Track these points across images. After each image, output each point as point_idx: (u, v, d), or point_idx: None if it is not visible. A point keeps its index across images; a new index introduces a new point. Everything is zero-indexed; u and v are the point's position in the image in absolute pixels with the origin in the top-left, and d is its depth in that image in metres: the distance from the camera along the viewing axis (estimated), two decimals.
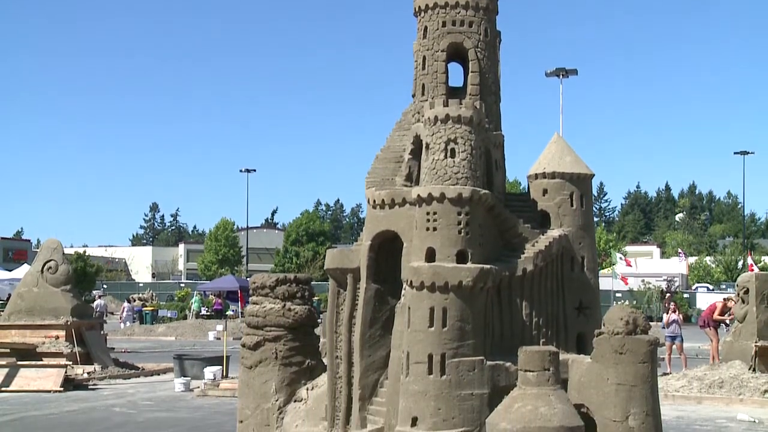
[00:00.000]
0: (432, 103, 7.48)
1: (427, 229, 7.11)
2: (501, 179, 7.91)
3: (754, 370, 18.82)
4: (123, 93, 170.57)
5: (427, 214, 7.10)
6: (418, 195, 7.17)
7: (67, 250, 32.16)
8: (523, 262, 7.38)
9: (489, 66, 7.93)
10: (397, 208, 7.64)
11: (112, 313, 47.53)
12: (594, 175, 7.95)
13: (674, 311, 24.45)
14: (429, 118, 7.34)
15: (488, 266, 7.02)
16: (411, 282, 7.03)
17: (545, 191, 7.85)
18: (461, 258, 7.01)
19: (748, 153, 69.58)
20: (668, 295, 40.27)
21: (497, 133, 7.96)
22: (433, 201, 7.07)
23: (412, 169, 7.86)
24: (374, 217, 7.83)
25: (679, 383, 19.03)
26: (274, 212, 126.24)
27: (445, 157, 7.19)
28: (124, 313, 45.23)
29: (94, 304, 39.31)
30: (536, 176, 7.90)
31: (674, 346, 23.68)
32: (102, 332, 25.87)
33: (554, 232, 7.68)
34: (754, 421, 15.71)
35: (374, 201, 7.80)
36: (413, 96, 8.11)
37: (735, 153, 69.93)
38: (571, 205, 7.80)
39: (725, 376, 18.63)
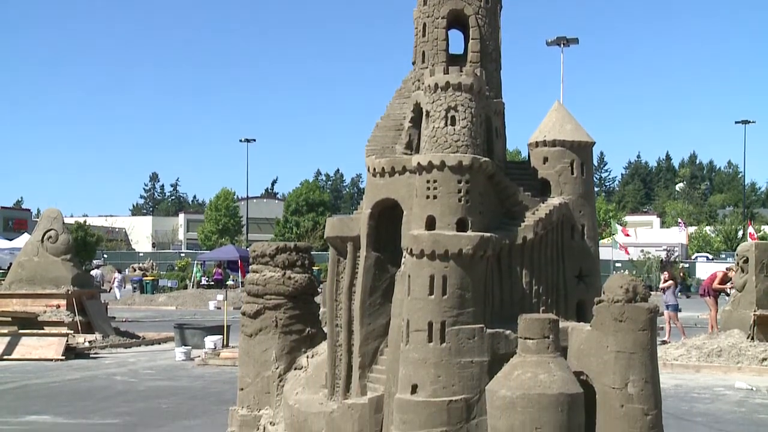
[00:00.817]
0: (432, 71, 7.42)
1: (427, 197, 7.07)
2: (501, 147, 7.87)
3: (752, 338, 18.92)
4: (123, 62, 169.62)
5: (427, 182, 7.07)
6: (419, 163, 7.13)
7: (68, 220, 32.12)
8: (524, 230, 7.36)
9: (490, 33, 7.86)
10: (397, 176, 7.61)
11: (110, 282, 47.71)
12: (595, 143, 7.90)
13: (666, 281, 24.57)
14: (429, 85, 7.28)
15: (488, 234, 7.00)
16: (411, 250, 7.02)
17: (546, 159, 7.80)
18: (461, 226, 6.99)
19: (749, 122, 69.47)
20: (669, 263, 40.41)
21: (498, 100, 7.90)
22: (433, 169, 7.03)
23: (412, 137, 7.82)
24: (374, 185, 7.80)
25: (678, 352, 19.13)
26: (274, 182, 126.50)
27: (446, 124, 7.14)
28: (115, 283, 45.39)
29: (92, 273, 39.40)
30: (537, 144, 7.85)
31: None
32: (102, 301, 25.97)
33: (554, 200, 7.64)
34: (752, 389, 15.81)
35: (374, 169, 7.76)
36: (413, 63, 8.04)
37: (736, 122, 69.88)
38: (572, 173, 7.76)
39: (724, 345, 18.72)
